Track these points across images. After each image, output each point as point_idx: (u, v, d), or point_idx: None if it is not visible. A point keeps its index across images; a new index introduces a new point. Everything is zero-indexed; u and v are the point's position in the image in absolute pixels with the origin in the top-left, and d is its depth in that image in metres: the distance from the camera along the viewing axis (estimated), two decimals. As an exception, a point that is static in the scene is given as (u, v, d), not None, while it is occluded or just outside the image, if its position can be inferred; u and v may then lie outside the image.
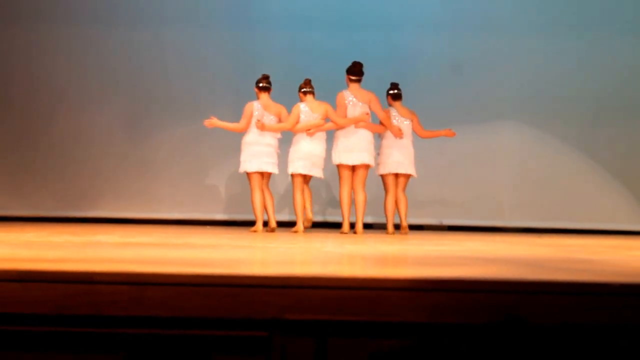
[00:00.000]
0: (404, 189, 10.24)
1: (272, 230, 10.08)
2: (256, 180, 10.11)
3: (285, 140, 10.20)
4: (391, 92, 10.23)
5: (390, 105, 10.21)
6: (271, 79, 10.16)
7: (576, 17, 11.79)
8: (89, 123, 11.90)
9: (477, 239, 9.75)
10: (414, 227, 10.79)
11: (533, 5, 11.83)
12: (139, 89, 11.91)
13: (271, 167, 10.10)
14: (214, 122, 10.25)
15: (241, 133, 10.21)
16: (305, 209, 10.12)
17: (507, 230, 11.64)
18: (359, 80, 10.12)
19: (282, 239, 8.88)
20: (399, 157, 10.11)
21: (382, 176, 10.21)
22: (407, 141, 10.16)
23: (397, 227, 10.24)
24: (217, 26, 11.90)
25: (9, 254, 6.06)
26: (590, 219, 11.73)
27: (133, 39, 11.93)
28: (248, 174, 10.14)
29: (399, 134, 10.07)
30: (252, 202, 10.16)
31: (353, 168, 10.09)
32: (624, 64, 11.79)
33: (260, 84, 10.15)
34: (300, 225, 10.09)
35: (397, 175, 10.18)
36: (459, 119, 10.68)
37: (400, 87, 10.22)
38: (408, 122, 10.17)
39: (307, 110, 10.09)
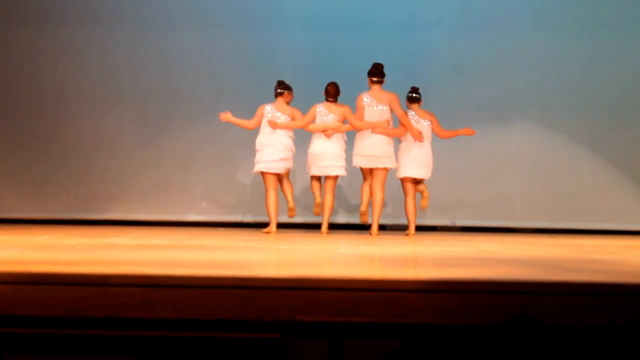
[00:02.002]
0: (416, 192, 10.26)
1: (291, 211, 10.21)
2: (270, 181, 10.14)
3: (304, 142, 10.21)
4: (409, 95, 10.22)
5: (408, 108, 10.20)
6: (287, 83, 10.22)
7: (589, 17, 11.75)
8: (102, 125, 11.90)
9: (490, 239, 9.72)
10: (427, 228, 10.78)
11: (545, 5, 11.78)
12: (150, 91, 11.91)
13: (284, 165, 10.12)
14: (227, 117, 10.29)
15: (254, 133, 10.24)
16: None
17: (519, 231, 11.60)
18: (380, 82, 10.12)
19: (295, 240, 8.88)
20: (417, 161, 10.10)
21: (401, 179, 10.21)
22: (426, 144, 10.15)
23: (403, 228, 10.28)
24: (227, 27, 11.88)
25: (23, 256, 6.08)
26: (603, 219, 11.68)
27: (142, 41, 11.92)
28: (262, 174, 10.17)
29: (419, 137, 10.06)
30: (266, 202, 10.18)
31: (371, 170, 10.10)
32: (636, 64, 11.74)
33: (276, 90, 10.22)
34: (325, 227, 10.13)
35: (415, 178, 10.18)
36: (470, 119, 10.63)
37: (420, 91, 10.20)
38: (427, 124, 10.16)
39: (324, 110, 10.10)
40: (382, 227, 10.46)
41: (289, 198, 10.29)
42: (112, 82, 11.94)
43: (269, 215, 10.16)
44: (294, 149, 10.19)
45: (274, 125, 10.06)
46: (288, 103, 10.25)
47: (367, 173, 10.13)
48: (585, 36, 11.72)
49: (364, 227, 10.44)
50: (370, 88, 10.14)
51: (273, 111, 10.14)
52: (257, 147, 10.17)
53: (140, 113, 11.91)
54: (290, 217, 10.37)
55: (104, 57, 11.94)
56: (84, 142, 11.90)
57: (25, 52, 11.92)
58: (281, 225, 10.42)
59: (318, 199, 10.19)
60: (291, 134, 10.21)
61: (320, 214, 10.23)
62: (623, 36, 11.73)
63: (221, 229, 11.21)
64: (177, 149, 11.89)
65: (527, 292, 4.41)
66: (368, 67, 10.12)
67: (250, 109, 10.50)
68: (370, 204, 10.09)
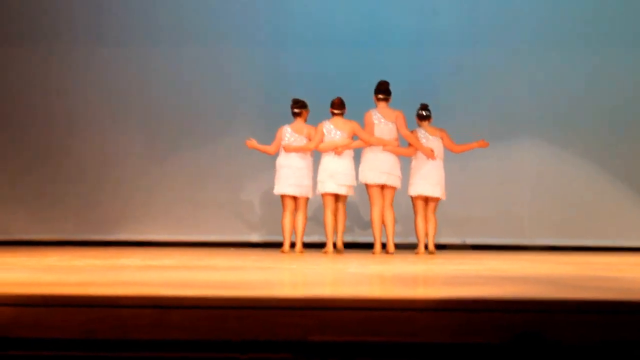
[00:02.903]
0: (434, 211, 10.20)
1: (300, 252, 10.11)
2: (287, 203, 10.13)
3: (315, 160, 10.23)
4: (420, 112, 10.21)
5: (418, 125, 10.19)
6: (305, 101, 10.24)
7: (594, 33, 11.75)
8: (111, 146, 11.92)
9: (499, 257, 9.70)
10: (437, 247, 10.75)
11: (551, 22, 11.80)
12: (159, 111, 11.92)
13: (299, 191, 10.10)
14: (253, 143, 10.31)
15: (263, 154, 10.27)
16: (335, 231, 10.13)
17: (529, 249, 11.58)
18: (386, 99, 10.14)
19: (306, 260, 8.86)
20: (430, 179, 10.08)
21: (412, 197, 10.19)
22: (438, 161, 10.13)
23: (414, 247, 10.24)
24: (238, 46, 11.89)
25: (32, 278, 6.07)
26: (612, 236, 11.65)
27: (151, 62, 11.95)
28: (281, 196, 10.17)
29: (431, 155, 10.05)
30: (281, 222, 10.18)
31: (382, 187, 10.07)
32: (643, 80, 11.77)
33: (293, 110, 10.21)
34: (330, 246, 10.08)
35: (427, 197, 10.16)
36: (478, 137, 10.62)
37: (429, 108, 10.19)
38: (438, 141, 10.13)
39: (332, 128, 10.10)
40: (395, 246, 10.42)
41: (298, 238, 10.18)
42: (121, 103, 11.96)
43: (283, 235, 10.15)
44: (311, 172, 10.17)
45: (287, 149, 10.08)
46: (305, 120, 10.24)
47: (376, 192, 10.07)
48: (590, 52, 11.73)
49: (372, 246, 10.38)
50: (376, 105, 10.15)
51: (292, 134, 10.14)
52: (276, 168, 10.20)
53: (149, 134, 11.92)
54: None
55: (113, 78, 11.97)
56: (93, 164, 11.92)
57: (34, 73, 11.96)
58: (291, 245, 10.40)
59: (329, 250, 10.11)
60: (309, 156, 10.20)
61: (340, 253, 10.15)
62: (629, 51, 11.73)
63: (231, 249, 11.20)
64: (186, 169, 11.90)
65: (538, 310, 4.39)
66: (375, 84, 10.15)
67: (259, 127, 10.54)
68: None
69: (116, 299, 4.47)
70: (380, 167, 10.01)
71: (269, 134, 10.29)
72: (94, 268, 7.25)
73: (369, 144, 10.03)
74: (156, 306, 4.36)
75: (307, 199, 10.20)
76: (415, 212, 10.17)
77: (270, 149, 10.26)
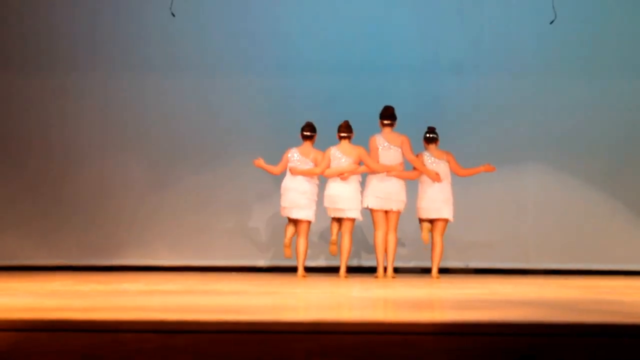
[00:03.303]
0: (442, 234, 10.21)
1: (303, 277, 10.09)
2: (298, 226, 10.14)
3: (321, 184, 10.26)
4: (427, 135, 10.25)
5: (425, 148, 10.23)
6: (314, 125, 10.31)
7: (597, 58, 11.78)
8: (112, 171, 11.93)
9: (503, 281, 9.68)
10: (440, 271, 10.74)
11: (556, 48, 11.82)
12: (162, 136, 11.93)
13: (302, 214, 10.10)
14: (260, 162, 10.34)
15: (265, 179, 10.28)
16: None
17: (533, 272, 11.56)
18: (391, 124, 10.18)
19: (309, 284, 8.85)
20: (436, 202, 10.10)
21: (421, 220, 10.20)
22: (445, 184, 10.15)
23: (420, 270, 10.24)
24: (241, 72, 11.91)
25: (35, 303, 6.06)
26: (616, 260, 11.63)
27: (152, 87, 11.96)
28: (287, 218, 10.18)
29: (437, 178, 10.07)
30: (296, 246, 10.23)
31: (386, 212, 10.10)
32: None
33: (303, 133, 10.25)
34: (343, 271, 10.09)
35: (434, 220, 10.16)
36: (483, 161, 10.62)
37: (436, 131, 10.24)
38: (444, 164, 10.16)
39: (339, 153, 10.13)
40: (396, 270, 10.41)
41: (300, 262, 10.18)
42: (122, 128, 11.97)
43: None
44: (315, 196, 10.18)
45: (293, 172, 10.09)
46: (313, 145, 10.27)
47: (379, 216, 10.09)
48: (594, 77, 11.74)
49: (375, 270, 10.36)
50: (381, 130, 10.20)
51: (298, 156, 10.16)
52: (281, 191, 10.20)
53: (151, 159, 11.93)
54: (286, 256, 10.29)
55: (113, 104, 11.99)
56: (95, 189, 11.92)
57: (34, 100, 11.97)
58: (293, 269, 10.39)
59: (334, 237, 10.17)
60: (316, 180, 10.22)
61: (335, 252, 10.20)
62: (633, 77, 11.75)
63: (234, 273, 11.18)
64: (188, 194, 11.90)
65: (543, 334, 4.38)
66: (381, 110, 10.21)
67: (260, 153, 10.51)
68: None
69: (119, 323, 4.46)
70: (384, 193, 10.04)
71: (273, 157, 10.30)
72: (97, 293, 7.24)
73: (375, 172, 10.07)
74: (160, 331, 4.36)
75: (309, 223, 10.19)
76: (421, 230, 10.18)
77: (275, 169, 10.30)
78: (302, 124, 10.30)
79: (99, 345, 4.33)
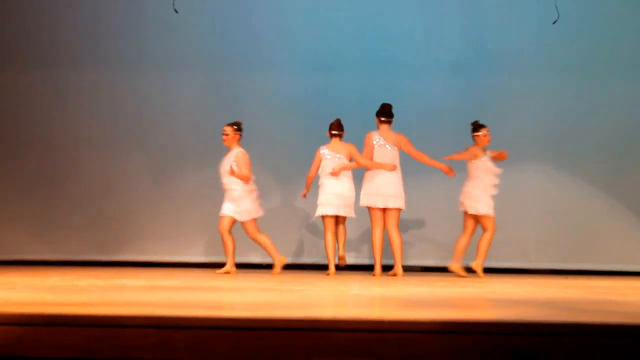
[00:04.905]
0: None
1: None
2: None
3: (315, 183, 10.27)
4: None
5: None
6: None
7: (601, 59, 11.77)
8: (113, 167, 11.92)
9: (503, 281, 9.69)
10: (440, 270, 10.74)
11: (556, 47, 11.80)
12: (163, 133, 11.92)
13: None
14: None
15: (264, 176, 10.29)
16: (337, 249, 10.17)
17: (532, 272, 11.55)
18: (389, 122, 10.16)
19: (309, 281, 8.85)
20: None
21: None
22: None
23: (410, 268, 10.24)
24: (244, 70, 11.91)
25: (35, 298, 6.07)
26: (617, 260, 11.62)
27: (152, 84, 11.94)
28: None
29: (451, 172, 10.13)
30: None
31: (384, 210, 10.08)
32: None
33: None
34: (332, 268, 10.09)
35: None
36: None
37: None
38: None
39: (329, 152, 10.13)
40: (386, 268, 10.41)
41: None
42: (123, 124, 11.96)
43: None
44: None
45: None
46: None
47: (376, 214, 10.07)
48: (598, 78, 11.73)
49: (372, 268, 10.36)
50: (378, 128, 10.17)
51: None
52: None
53: (151, 155, 11.92)
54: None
55: (113, 100, 11.98)
56: (96, 184, 11.92)
57: (36, 95, 11.97)
58: (293, 267, 10.40)
59: (342, 252, 10.20)
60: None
61: (344, 264, 10.23)
62: (636, 77, 11.74)
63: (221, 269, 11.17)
64: (189, 190, 11.89)
65: (542, 333, 4.38)
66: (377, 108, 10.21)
67: (260, 152, 10.50)
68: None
69: (119, 319, 4.46)
70: (381, 191, 10.02)
71: (274, 154, 10.30)
72: (97, 288, 7.24)
73: (363, 166, 10.05)
74: (159, 326, 4.35)
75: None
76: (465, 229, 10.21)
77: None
78: (302, 122, 10.30)
79: (98, 340, 4.33)
